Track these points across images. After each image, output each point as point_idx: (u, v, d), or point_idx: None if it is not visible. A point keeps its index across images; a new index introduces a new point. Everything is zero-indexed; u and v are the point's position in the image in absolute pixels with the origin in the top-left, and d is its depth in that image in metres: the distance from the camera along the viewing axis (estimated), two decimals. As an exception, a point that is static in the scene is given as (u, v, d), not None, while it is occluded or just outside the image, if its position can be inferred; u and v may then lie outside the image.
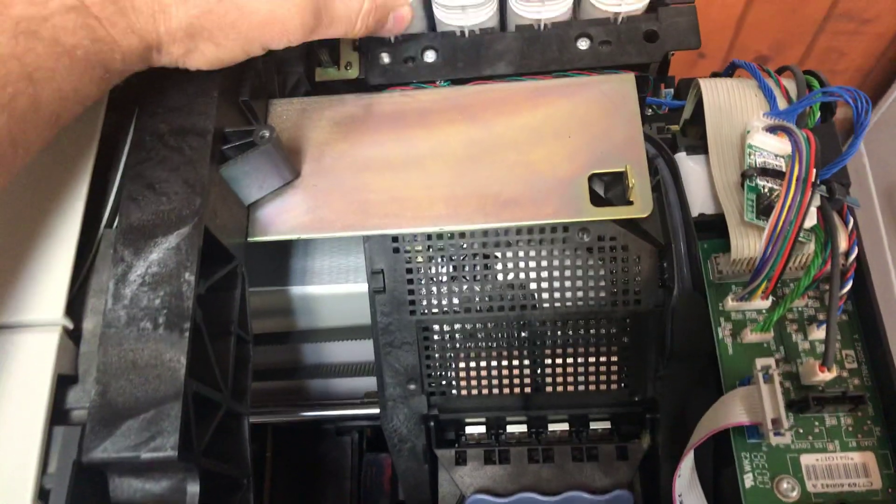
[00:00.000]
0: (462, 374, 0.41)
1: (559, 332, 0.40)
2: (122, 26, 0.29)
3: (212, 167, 0.33)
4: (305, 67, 0.42)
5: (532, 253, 0.38)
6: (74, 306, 0.32)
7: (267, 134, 0.35)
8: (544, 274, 0.38)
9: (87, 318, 0.32)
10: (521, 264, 0.38)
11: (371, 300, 0.39)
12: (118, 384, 0.29)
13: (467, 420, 0.43)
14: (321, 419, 0.49)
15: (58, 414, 0.30)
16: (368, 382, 0.49)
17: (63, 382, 0.30)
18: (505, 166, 0.38)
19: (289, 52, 0.42)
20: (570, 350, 0.40)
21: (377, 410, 0.42)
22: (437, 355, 0.41)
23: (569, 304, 0.39)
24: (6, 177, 0.28)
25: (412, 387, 0.41)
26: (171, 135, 0.34)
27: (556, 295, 0.39)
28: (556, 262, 0.38)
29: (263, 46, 0.34)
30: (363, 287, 0.40)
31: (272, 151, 0.35)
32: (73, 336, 0.31)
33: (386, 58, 0.42)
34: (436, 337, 0.40)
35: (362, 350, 0.47)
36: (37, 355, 0.30)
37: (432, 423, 0.42)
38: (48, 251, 0.32)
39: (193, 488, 0.29)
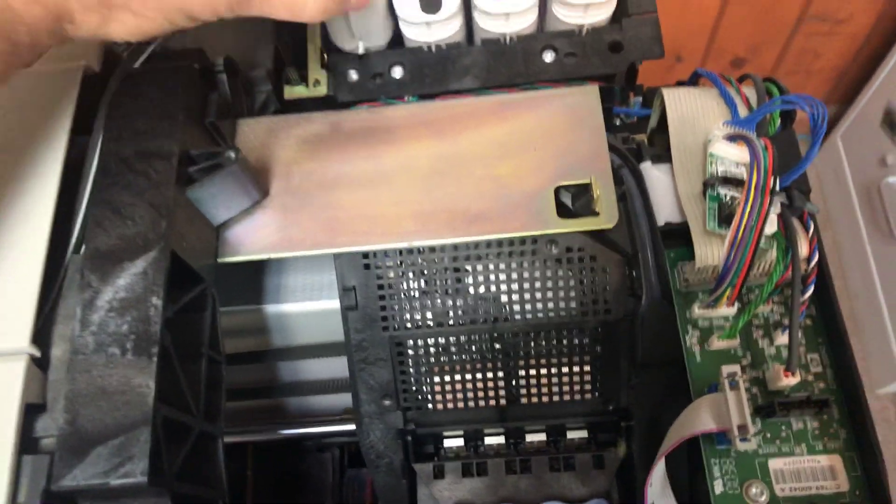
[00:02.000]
0: (437, 387, 0.41)
1: (532, 344, 0.40)
2: None
3: (178, 190, 0.34)
4: (274, 86, 0.43)
5: (502, 266, 0.38)
6: (42, 334, 0.32)
7: (233, 155, 0.35)
8: (515, 286, 0.38)
9: (55, 345, 0.32)
10: (492, 277, 0.38)
11: (343, 317, 0.39)
12: (87, 411, 0.29)
13: (445, 433, 0.43)
14: (301, 437, 0.49)
15: (27, 443, 0.30)
16: (347, 399, 0.49)
17: (31, 411, 0.30)
18: (472, 181, 0.38)
19: (256, 71, 0.42)
20: (543, 361, 0.40)
21: (356, 426, 0.42)
22: (411, 370, 0.41)
23: (540, 315, 0.39)
24: None
25: (387, 402, 0.41)
26: (136, 158, 0.34)
27: (528, 306, 0.39)
28: (525, 275, 0.38)
29: (190, 17, 0.31)
30: (337, 304, 0.40)
31: (238, 172, 0.35)
32: (40, 364, 0.31)
33: (354, 75, 0.42)
34: (409, 352, 0.40)
35: (340, 367, 0.47)
36: (3, 384, 0.30)
37: (409, 438, 0.42)
38: (14, 278, 0.32)
39: (165, 512, 0.29)
